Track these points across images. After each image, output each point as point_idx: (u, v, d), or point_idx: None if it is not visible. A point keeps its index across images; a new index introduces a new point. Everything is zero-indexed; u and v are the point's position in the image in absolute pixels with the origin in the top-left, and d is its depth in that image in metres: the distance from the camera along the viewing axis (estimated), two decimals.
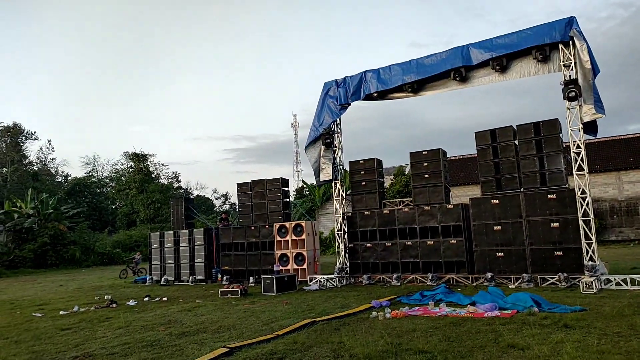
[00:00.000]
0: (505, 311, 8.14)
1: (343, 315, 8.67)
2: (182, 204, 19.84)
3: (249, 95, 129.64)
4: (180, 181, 65.38)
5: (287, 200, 17.70)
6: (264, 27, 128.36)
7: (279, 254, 16.20)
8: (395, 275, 13.56)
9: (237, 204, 18.77)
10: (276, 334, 7.36)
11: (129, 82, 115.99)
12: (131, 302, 12.71)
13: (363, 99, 14.68)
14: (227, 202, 72.73)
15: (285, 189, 17.43)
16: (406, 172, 35.06)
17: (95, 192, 57.26)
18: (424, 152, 14.14)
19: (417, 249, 13.66)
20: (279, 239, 16.31)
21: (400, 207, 14.52)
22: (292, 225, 16.19)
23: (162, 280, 18.37)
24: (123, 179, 58.15)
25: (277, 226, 16.42)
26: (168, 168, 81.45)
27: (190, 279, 17.94)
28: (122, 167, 61.66)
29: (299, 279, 14.76)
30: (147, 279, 19.07)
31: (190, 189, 68.33)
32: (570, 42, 11.22)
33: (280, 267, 15.37)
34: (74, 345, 7.70)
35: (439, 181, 13.81)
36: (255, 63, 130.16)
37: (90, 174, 62.73)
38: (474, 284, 12.24)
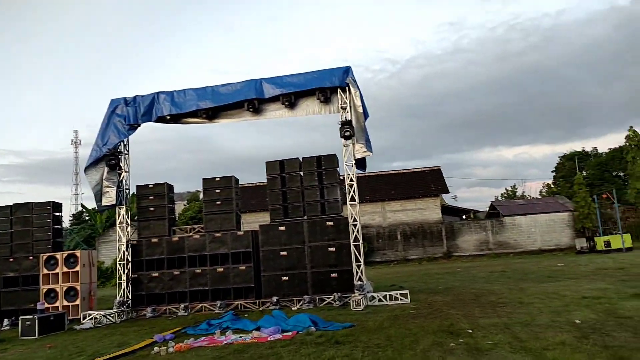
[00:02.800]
0: (287, 333, 8.58)
1: (119, 355, 7.91)
2: None
3: (15, 101, 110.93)
4: None
5: (59, 227, 15.53)
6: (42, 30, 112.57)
7: (45, 290, 13.96)
8: (182, 305, 13.05)
9: None
10: None
11: None
12: None
13: (155, 121, 14.02)
14: None
15: (58, 214, 15.25)
16: (200, 198, 34.55)
17: None
18: (216, 179, 14.17)
19: (206, 276, 13.45)
20: (46, 271, 14.09)
21: (190, 234, 14.15)
22: (64, 255, 14.21)
23: None
24: None
25: (45, 257, 14.18)
26: None
27: None
28: None
29: (70, 317, 12.94)
30: None
31: None
32: (347, 88, 12.83)
33: (46, 305, 13.24)
34: None
35: (231, 208, 13.99)
36: (33, 71, 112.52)
37: None
38: (261, 309, 12.61)
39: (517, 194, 50.27)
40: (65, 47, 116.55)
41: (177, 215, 28.62)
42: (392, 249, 31.14)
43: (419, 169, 35.71)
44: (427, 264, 28.22)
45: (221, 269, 13.41)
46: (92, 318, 12.46)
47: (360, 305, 11.16)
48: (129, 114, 13.87)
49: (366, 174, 32.62)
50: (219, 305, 12.83)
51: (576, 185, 30.30)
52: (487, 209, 38.12)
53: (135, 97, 13.93)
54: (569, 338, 6.50)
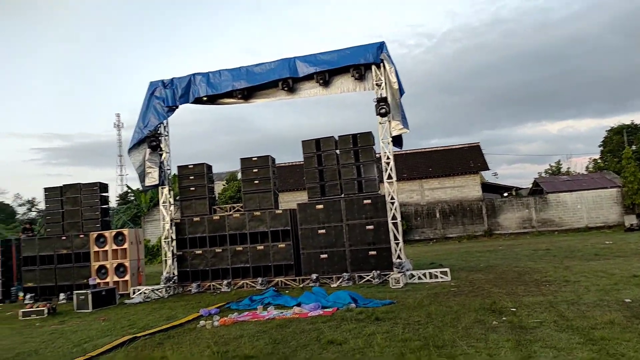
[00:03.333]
0: (327, 309, 8.71)
1: (168, 328, 8.26)
2: None
3: (61, 89, 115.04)
4: None
5: (107, 206, 16.19)
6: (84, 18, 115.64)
7: (96, 266, 14.68)
8: (225, 282, 13.44)
9: (45, 212, 16.45)
10: (89, 355, 6.66)
11: None
12: None
13: (192, 102, 14.27)
14: (33, 209, 63.26)
15: (105, 194, 15.89)
16: (238, 178, 35.16)
17: None
18: (253, 159, 14.35)
19: (247, 254, 13.77)
20: (96, 249, 14.80)
21: (230, 212, 14.47)
22: (113, 234, 14.85)
23: None
24: None
25: (95, 235, 14.87)
26: None
27: None
28: None
29: (120, 292, 13.59)
30: None
31: None
32: (382, 64, 12.61)
33: (98, 281, 13.95)
34: None
35: (268, 187, 14.17)
36: (73, 58, 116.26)
37: None
38: (301, 286, 12.83)
39: (561, 170, 48.49)
40: (104, 32, 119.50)
41: (216, 195, 29.26)
42: (431, 227, 30.82)
43: (458, 146, 34.94)
44: (467, 242, 27.83)
45: (261, 247, 13.69)
46: (141, 293, 13.04)
47: (399, 283, 11.17)
48: (167, 96, 14.15)
49: (403, 152, 32.18)
50: (260, 282, 13.14)
51: (625, 160, 28.93)
52: (530, 186, 37.00)
53: (172, 80, 14.19)
54: (618, 317, 6.30)
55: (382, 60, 12.51)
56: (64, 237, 15.21)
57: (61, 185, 15.77)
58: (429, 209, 31.18)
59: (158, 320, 9.37)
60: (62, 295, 14.32)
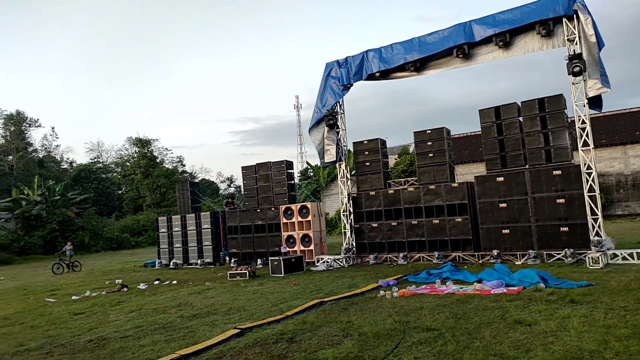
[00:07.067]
0: (512, 288, 8.22)
1: (351, 295, 8.79)
2: (188, 188, 19.95)
3: (254, 75, 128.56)
4: (184, 165, 65.61)
5: (292, 182, 17.76)
6: (266, 6, 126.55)
7: (285, 236, 16.33)
8: (401, 255, 13.67)
9: (242, 187, 18.85)
10: (285, 314, 7.49)
11: (131, 66, 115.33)
12: (142, 286, 12.91)
13: (365, 79, 14.58)
14: (232, 185, 73.02)
15: (290, 171, 17.46)
16: (410, 152, 34.98)
17: (101, 178, 57.58)
18: (427, 131, 14.09)
19: (422, 228, 13.73)
20: (285, 220, 16.43)
21: (405, 186, 14.54)
22: (298, 207, 16.28)
23: (171, 263, 18.59)
24: (128, 164, 58.39)
25: (283, 208, 16.51)
26: (172, 152, 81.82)
27: (199, 262, 18.16)
28: (126, 152, 61.94)
29: (306, 260, 14.90)
30: (156, 262, 19.32)
31: (195, 173, 68.63)
32: (574, 16, 11.05)
33: (287, 249, 15.51)
34: (87, 329, 7.87)
35: (444, 160, 13.80)
36: (259, 44, 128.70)
37: (96, 159, 63.08)
38: (480, 262, 12.32)
39: None
40: (279, 20, 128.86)
41: (389, 169, 29.61)
42: (638, 200, 26.39)
43: None
44: None
45: (437, 221, 13.49)
46: (324, 262, 14.10)
47: (598, 263, 9.91)
48: (342, 75, 14.70)
49: (601, 114, 27.96)
50: (436, 255, 13.02)
51: None
52: None
53: (346, 58, 14.66)
54: None
55: (575, 12, 10.97)
56: (258, 210, 17.24)
57: (254, 164, 17.83)
58: (635, 179, 26.68)
59: (341, 287, 10.04)
60: (259, 261, 16.33)
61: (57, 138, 62.20)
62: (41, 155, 54.62)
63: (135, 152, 55.74)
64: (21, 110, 53.21)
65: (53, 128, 64.49)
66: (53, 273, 19.52)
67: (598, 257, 9.99)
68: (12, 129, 51.90)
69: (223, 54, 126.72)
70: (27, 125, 53.94)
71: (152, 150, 55.64)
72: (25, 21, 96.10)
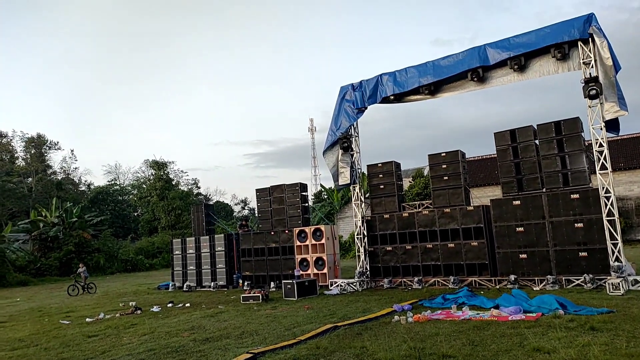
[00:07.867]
0: (530, 314, 8.02)
1: (365, 320, 8.66)
2: (203, 210, 20.05)
3: (268, 99, 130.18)
4: (199, 187, 66.15)
5: (306, 204, 17.76)
6: (279, 30, 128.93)
7: (299, 259, 16.25)
8: (416, 279, 13.48)
9: (256, 210, 18.90)
10: (299, 339, 7.40)
11: (148, 89, 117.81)
12: (155, 309, 12.90)
13: (379, 102, 14.68)
14: (246, 208, 73.25)
15: (304, 193, 17.49)
16: (425, 174, 34.81)
17: (118, 200, 58.29)
18: (442, 154, 14.04)
19: (437, 251, 13.55)
20: (298, 243, 16.37)
21: (419, 209, 14.43)
22: (312, 229, 16.23)
23: (185, 286, 18.57)
24: (144, 186, 59.09)
25: (297, 231, 16.48)
26: (187, 174, 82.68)
27: (212, 284, 18.12)
28: (143, 174, 62.80)
29: (320, 284, 14.77)
30: (170, 285, 19.32)
31: (209, 195, 69.09)
32: (590, 39, 11.05)
33: (301, 272, 15.41)
34: (101, 351, 7.86)
35: (459, 183, 13.70)
36: (274, 67, 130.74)
37: (113, 182, 64.03)
38: (497, 287, 12.08)
39: None
40: (294, 43, 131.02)
41: (404, 192, 29.45)
42: None
43: None
44: None
45: (452, 245, 13.32)
46: (338, 285, 13.96)
47: (619, 289, 9.64)
48: (357, 98, 14.83)
49: (618, 137, 27.66)
50: (452, 280, 12.81)
51: None
52: None
53: (361, 82, 14.80)
54: None
55: (590, 35, 10.97)
56: (272, 232, 17.23)
57: (269, 186, 17.89)
58: None
59: (355, 311, 9.90)
60: (272, 284, 16.23)
61: (76, 160, 63.79)
62: (60, 178, 55.61)
63: (152, 174, 56.46)
64: (42, 134, 54.49)
65: (72, 151, 66.16)
66: (68, 294, 19.63)
67: (618, 283, 9.73)
68: (32, 152, 53.05)
69: (239, 80, 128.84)
70: (47, 148, 55.12)
71: (168, 172, 56.32)
72: (47, 44, 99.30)
